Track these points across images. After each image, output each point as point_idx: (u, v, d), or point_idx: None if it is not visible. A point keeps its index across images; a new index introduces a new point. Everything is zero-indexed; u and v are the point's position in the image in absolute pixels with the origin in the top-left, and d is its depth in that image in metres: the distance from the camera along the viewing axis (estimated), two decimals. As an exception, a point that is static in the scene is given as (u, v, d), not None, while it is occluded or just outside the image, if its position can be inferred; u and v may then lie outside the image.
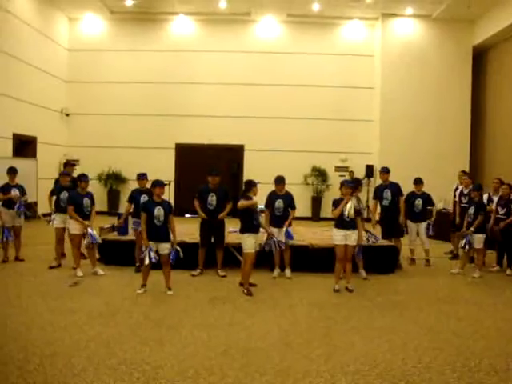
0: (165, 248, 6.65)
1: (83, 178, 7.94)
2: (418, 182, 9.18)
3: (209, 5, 15.18)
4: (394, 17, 15.57)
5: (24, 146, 13.92)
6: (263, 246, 7.44)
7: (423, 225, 9.03)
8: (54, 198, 8.44)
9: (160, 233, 6.65)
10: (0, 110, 12.42)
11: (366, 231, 7.77)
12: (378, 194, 9.16)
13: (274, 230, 7.71)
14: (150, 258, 6.53)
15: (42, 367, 4.21)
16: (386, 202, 8.99)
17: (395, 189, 8.99)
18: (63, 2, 15.12)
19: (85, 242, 7.62)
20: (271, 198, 7.95)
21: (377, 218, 9.28)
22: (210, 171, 8.07)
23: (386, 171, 9.18)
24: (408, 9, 15.10)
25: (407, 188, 9.25)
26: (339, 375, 4.18)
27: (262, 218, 7.64)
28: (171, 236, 6.76)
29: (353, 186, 7.30)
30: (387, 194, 8.98)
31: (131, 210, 8.18)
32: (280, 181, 8.00)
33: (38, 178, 13.12)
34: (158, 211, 6.63)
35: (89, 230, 7.61)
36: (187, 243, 8.06)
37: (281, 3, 14.91)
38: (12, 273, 7.84)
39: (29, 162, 13.31)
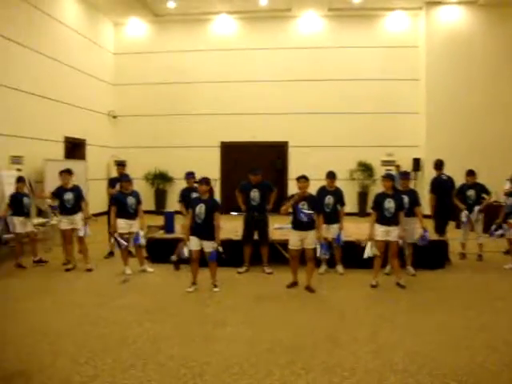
0: (208, 246, 6.68)
1: (125, 178, 8.10)
2: (471, 173, 8.91)
3: (249, 3, 15.17)
4: (438, 5, 15.05)
5: (74, 148, 14.37)
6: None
7: (480, 217, 8.75)
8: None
9: (201, 230, 6.69)
10: (52, 114, 12.85)
11: (424, 230, 7.54)
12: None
13: (323, 227, 7.62)
14: (186, 253, 6.65)
15: (92, 361, 4.33)
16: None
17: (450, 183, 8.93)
18: (109, 8, 15.49)
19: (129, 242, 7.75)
20: (321, 193, 7.84)
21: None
22: (252, 170, 8.07)
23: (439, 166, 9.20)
24: (453, -4, 14.59)
25: (461, 180, 9.03)
26: (388, 373, 4.08)
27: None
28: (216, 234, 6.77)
29: (389, 178, 7.14)
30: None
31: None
32: (332, 175, 7.90)
33: (88, 179, 13.50)
34: (200, 209, 6.67)
35: (134, 230, 7.76)
36: (233, 240, 8.10)
37: (322, -3, 14.75)
38: (63, 271, 8.07)
39: (79, 163, 13.70)
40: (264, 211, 7.98)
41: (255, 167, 8.26)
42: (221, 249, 6.72)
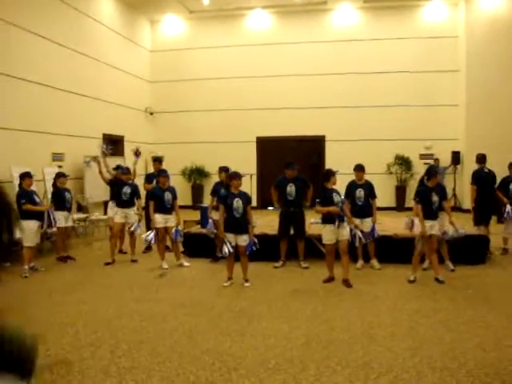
0: (243, 240, 6.69)
1: (162, 173, 8.21)
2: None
3: (284, -4, 15.10)
4: (479, -7, 14.60)
5: (113, 144, 14.64)
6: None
7: None
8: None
9: (239, 224, 6.69)
10: (92, 112, 13.14)
11: (451, 223, 7.36)
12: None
13: (356, 221, 7.54)
14: (228, 250, 6.61)
15: (129, 353, 4.41)
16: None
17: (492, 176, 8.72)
18: (145, 6, 15.68)
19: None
20: (351, 187, 7.77)
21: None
22: (288, 165, 8.05)
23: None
24: (495, -18, 14.07)
25: (501, 174, 8.74)
26: (426, 371, 3.99)
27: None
28: (249, 227, 6.79)
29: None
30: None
31: (214, 203, 8.31)
32: (360, 168, 7.81)
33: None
34: (237, 203, 6.67)
35: (171, 224, 7.85)
36: (268, 235, 8.10)
37: (358, -11, 14.52)
38: (102, 265, 8.25)
39: (118, 160, 13.97)
40: (300, 206, 7.94)
41: (291, 161, 8.23)
42: (256, 241, 6.75)
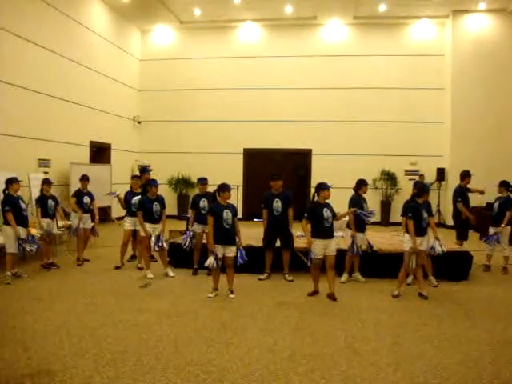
0: (231, 251, 6.70)
1: (153, 183, 8.19)
2: (502, 185, 8.78)
3: (275, 11, 15.25)
4: (465, 13, 14.88)
5: (100, 152, 14.60)
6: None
7: (506, 230, 8.55)
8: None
9: (228, 236, 6.71)
10: (79, 119, 13.11)
11: (437, 238, 7.47)
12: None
13: (360, 235, 7.68)
14: (215, 262, 6.62)
15: (113, 363, 4.38)
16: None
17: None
18: (136, 15, 15.74)
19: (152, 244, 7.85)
20: (358, 202, 7.78)
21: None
22: (271, 176, 8.11)
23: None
24: (481, 4, 14.33)
25: (489, 191, 8.99)
26: (408, 385, 4.03)
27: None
28: (236, 238, 6.80)
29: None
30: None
31: (194, 216, 8.33)
32: (366, 183, 8.01)
33: (112, 183, 13.70)
34: (227, 214, 6.69)
35: (156, 233, 7.85)
36: (254, 247, 8.10)
37: (347, 5, 14.72)
38: (87, 273, 8.22)
39: (104, 167, 13.94)
40: (286, 220, 7.96)
41: (276, 173, 8.28)
42: (243, 252, 6.76)
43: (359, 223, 7.67)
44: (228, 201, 6.86)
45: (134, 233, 8.74)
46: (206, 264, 6.77)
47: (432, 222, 7.12)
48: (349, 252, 7.62)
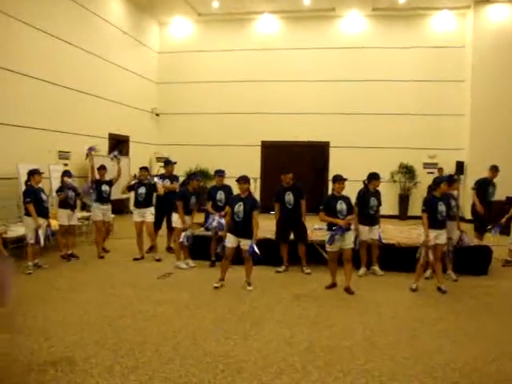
0: (245, 243, 6.72)
1: (195, 176, 8.32)
2: None
3: (293, 2, 15.15)
4: (487, 3, 14.60)
5: (118, 144, 14.69)
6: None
7: None
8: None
9: (239, 228, 6.74)
10: (98, 111, 13.20)
11: (461, 231, 7.40)
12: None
13: (365, 229, 7.61)
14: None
15: (132, 353, 4.44)
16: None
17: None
18: (154, 8, 15.77)
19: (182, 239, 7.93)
20: (365, 195, 7.78)
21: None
22: (281, 169, 8.11)
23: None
24: (503, -6, 14.11)
25: (503, 184, 8.87)
26: (427, 380, 4.01)
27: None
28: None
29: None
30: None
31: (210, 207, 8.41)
32: (377, 177, 7.84)
33: (131, 175, 13.78)
34: (238, 207, 6.72)
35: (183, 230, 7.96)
36: (271, 239, 8.11)
37: (366, -4, 14.58)
38: (106, 264, 8.33)
39: (123, 160, 14.00)
40: (299, 213, 7.94)
41: (285, 167, 8.26)
42: (256, 249, 6.68)
43: (364, 217, 7.63)
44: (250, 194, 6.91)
45: (156, 224, 8.82)
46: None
47: (456, 215, 7.10)
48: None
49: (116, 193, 10.09)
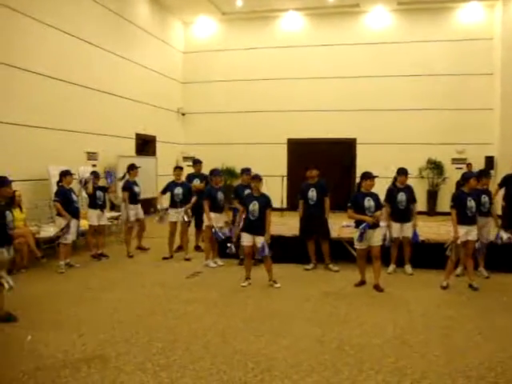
0: (258, 241, 6.74)
1: (216, 173, 8.34)
2: None
3: (317, -1, 15.08)
4: (518, -5, 14.27)
5: (145, 145, 14.87)
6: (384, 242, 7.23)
7: None
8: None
9: (254, 226, 6.77)
10: (124, 112, 13.36)
11: (504, 228, 7.26)
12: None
13: (397, 225, 7.51)
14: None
15: (163, 351, 4.48)
16: None
17: None
18: (178, 8, 15.87)
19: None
20: (392, 192, 7.69)
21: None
22: (306, 167, 8.08)
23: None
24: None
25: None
26: (461, 380, 3.94)
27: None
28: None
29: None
30: None
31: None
32: (404, 172, 7.72)
33: (158, 175, 13.94)
34: (253, 206, 6.75)
35: (219, 224, 7.98)
36: (297, 237, 8.09)
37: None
38: (135, 263, 8.44)
39: (149, 159, 14.17)
40: (322, 209, 7.89)
41: (309, 164, 8.22)
42: (267, 248, 6.67)
43: (394, 213, 7.53)
44: (262, 191, 6.94)
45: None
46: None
47: (493, 211, 7.00)
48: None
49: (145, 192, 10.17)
